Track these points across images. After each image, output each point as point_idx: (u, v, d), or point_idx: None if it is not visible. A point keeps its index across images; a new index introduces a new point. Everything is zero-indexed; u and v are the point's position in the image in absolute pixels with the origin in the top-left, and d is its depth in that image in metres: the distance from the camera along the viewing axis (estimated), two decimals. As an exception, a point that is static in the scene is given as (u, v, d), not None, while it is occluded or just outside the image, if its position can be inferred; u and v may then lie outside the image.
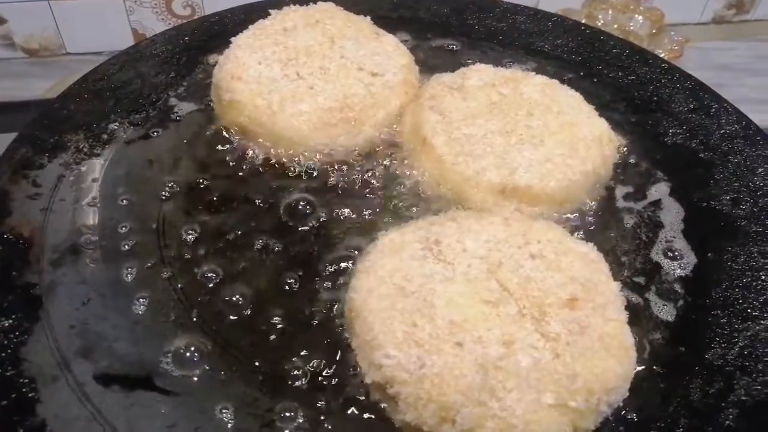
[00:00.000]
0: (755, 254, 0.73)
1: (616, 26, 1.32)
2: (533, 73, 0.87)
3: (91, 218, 0.74)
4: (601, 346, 0.58)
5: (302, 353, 0.63)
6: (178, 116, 0.87)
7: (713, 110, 0.88)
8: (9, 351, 0.61)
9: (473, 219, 0.69)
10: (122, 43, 1.37)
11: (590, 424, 0.58)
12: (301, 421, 0.59)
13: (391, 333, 0.59)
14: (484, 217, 0.70)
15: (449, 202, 0.77)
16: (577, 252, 0.66)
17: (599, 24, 1.31)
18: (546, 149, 0.77)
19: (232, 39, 0.88)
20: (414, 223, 0.71)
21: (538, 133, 0.78)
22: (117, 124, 0.84)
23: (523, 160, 0.76)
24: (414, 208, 0.77)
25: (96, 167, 0.79)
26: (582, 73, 0.95)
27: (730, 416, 0.60)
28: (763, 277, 0.71)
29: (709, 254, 0.74)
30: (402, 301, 0.61)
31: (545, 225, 0.70)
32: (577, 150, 0.77)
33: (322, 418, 0.59)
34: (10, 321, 0.63)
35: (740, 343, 0.65)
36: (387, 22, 0.96)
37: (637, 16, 1.33)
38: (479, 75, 0.86)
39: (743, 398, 0.61)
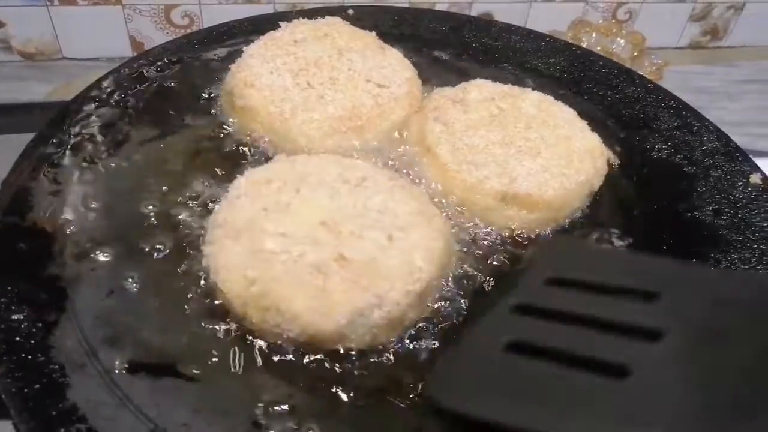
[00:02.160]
0: (736, 260, 0.78)
1: (599, 48, 1.39)
2: (530, 89, 0.93)
3: (110, 215, 0.76)
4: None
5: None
6: (191, 120, 0.90)
7: (695, 128, 0.95)
8: (38, 339, 0.63)
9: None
10: (119, 50, 1.40)
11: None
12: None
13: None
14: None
15: (453, 207, 0.81)
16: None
17: (584, 46, 1.38)
18: (543, 160, 0.82)
19: (244, 48, 0.92)
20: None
21: (536, 145, 0.83)
22: (131, 125, 0.87)
23: (522, 169, 0.81)
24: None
25: (114, 166, 0.82)
26: (573, 91, 1.01)
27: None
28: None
29: (693, 260, 0.79)
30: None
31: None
32: (572, 161, 0.83)
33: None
34: (38, 311, 0.65)
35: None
36: (388, 38, 1.00)
37: (619, 39, 1.40)
38: (479, 90, 0.91)
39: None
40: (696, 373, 0.50)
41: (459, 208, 0.81)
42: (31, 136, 0.83)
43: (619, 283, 0.60)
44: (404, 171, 0.85)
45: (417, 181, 0.84)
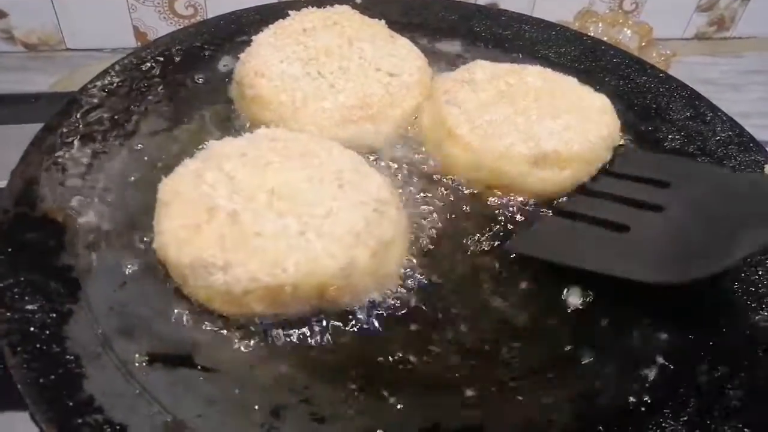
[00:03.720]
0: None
1: (606, 38, 1.37)
2: (529, 64, 0.93)
3: (121, 204, 0.76)
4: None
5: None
6: (201, 110, 0.89)
7: (708, 118, 0.94)
8: (52, 330, 0.63)
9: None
10: (123, 40, 1.39)
11: None
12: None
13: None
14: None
15: (482, 183, 0.83)
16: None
17: (591, 36, 1.37)
18: (562, 120, 0.84)
19: (254, 37, 0.91)
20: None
21: (551, 110, 0.85)
22: (141, 116, 0.86)
23: (544, 131, 0.82)
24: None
25: (123, 156, 0.81)
26: (584, 80, 1.00)
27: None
28: (760, 272, 0.76)
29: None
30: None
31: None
32: (589, 118, 0.85)
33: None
34: (52, 301, 0.65)
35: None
36: (397, 26, 1.00)
37: (626, 29, 1.39)
38: (483, 70, 0.91)
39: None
40: (677, 232, 0.72)
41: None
42: (36, 126, 0.83)
43: (644, 174, 0.81)
44: (416, 157, 0.85)
45: (432, 165, 0.85)
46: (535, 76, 0.90)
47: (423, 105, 0.89)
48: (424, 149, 0.87)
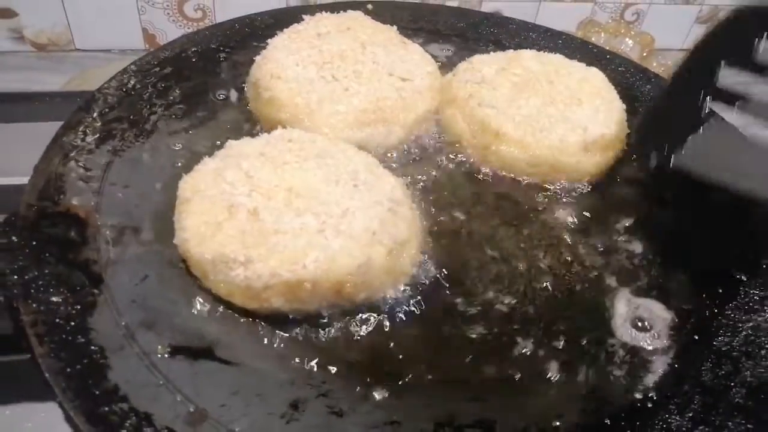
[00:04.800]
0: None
1: (608, 48, 1.40)
2: (511, 49, 0.99)
3: (141, 201, 0.77)
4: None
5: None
6: (217, 111, 0.91)
7: (711, 126, 0.96)
8: (77, 321, 0.64)
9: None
10: (132, 42, 1.41)
11: None
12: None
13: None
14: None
15: (541, 175, 0.88)
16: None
17: (593, 46, 1.40)
18: (588, 105, 0.91)
19: (269, 41, 0.93)
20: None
21: (570, 95, 0.92)
22: (159, 116, 0.88)
23: (582, 118, 0.89)
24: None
25: (142, 155, 0.83)
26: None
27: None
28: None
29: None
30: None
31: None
32: (605, 98, 0.93)
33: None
34: (75, 294, 0.66)
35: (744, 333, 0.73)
36: (407, 33, 1.02)
37: (627, 39, 1.42)
38: (484, 65, 0.95)
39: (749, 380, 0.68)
40: None
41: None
42: (51, 124, 0.84)
43: None
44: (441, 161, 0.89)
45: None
46: (532, 60, 0.95)
47: (450, 113, 0.92)
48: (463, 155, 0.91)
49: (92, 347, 0.62)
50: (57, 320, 0.63)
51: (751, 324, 0.74)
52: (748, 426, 0.64)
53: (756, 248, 0.82)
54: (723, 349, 0.71)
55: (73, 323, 0.64)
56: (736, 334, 0.73)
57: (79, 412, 0.57)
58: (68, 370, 0.60)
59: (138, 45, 1.42)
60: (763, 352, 0.71)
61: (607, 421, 0.65)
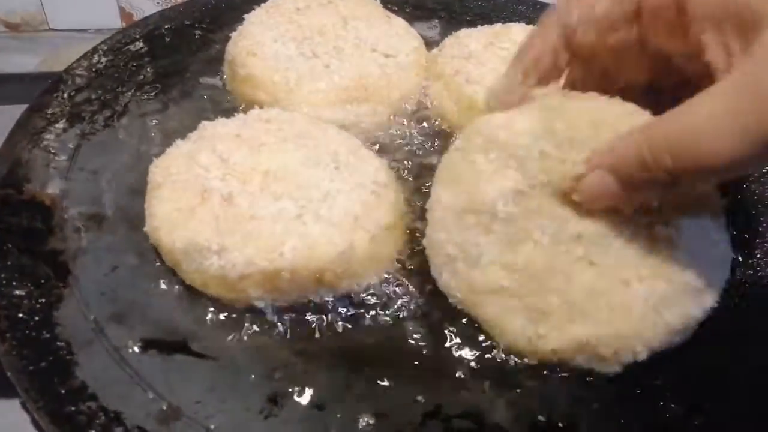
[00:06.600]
0: None
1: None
2: (499, 23, 0.94)
3: (111, 187, 0.74)
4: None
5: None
6: (192, 91, 0.87)
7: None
8: (42, 315, 0.61)
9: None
10: (108, 21, 1.36)
11: None
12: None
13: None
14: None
15: None
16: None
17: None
18: None
19: (245, 16, 0.89)
20: None
21: None
22: (130, 97, 0.84)
23: None
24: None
25: (112, 138, 0.79)
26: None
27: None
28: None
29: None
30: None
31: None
32: None
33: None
34: (40, 287, 0.63)
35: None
36: (391, 7, 0.98)
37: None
38: (470, 39, 0.90)
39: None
40: None
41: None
42: (22, 107, 0.80)
43: None
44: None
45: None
46: (521, 34, 0.88)
47: (436, 91, 0.88)
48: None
49: (58, 343, 0.59)
50: (20, 315, 0.60)
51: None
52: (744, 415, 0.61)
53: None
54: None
55: (37, 318, 0.60)
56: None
57: (43, 413, 0.54)
58: (32, 367, 0.56)
59: (115, 24, 1.37)
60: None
61: (595, 405, 0.62)
